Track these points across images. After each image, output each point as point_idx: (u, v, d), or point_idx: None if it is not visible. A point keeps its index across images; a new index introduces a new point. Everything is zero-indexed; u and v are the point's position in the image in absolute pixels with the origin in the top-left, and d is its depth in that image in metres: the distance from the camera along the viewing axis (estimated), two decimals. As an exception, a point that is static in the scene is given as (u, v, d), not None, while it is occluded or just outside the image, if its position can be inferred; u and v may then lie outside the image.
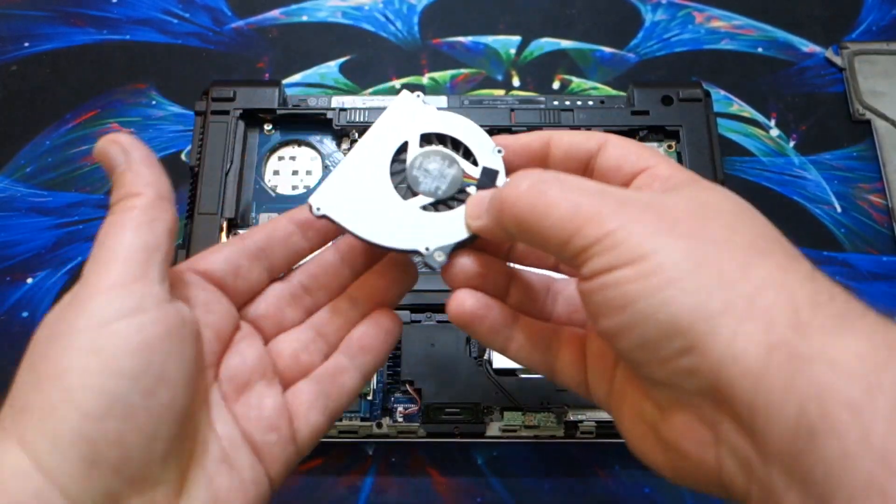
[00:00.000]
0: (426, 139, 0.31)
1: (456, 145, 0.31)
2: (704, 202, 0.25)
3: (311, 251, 0.32)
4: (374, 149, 0.31)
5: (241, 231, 0.51)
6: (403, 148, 0.31)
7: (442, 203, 0.30)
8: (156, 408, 0.24)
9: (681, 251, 0.22)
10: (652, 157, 0.28)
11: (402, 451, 0.49)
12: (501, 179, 0.30)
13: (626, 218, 0.23)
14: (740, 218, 0.25)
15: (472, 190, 0.30)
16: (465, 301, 0.29)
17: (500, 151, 0.31)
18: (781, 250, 0.24)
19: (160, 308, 0.24)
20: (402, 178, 0.30)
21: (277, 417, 0.29)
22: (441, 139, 0.31)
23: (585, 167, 0.30)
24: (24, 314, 0.52)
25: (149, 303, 0.24)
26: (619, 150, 0.29)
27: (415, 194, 0.30)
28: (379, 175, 0.30)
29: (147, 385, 0.23)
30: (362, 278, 0.32)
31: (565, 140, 0.30)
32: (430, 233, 0.29)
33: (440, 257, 0.29)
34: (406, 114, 0.31)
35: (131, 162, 0.26)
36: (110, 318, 0.23)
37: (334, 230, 0.31)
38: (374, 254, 0.32)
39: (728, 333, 0.21)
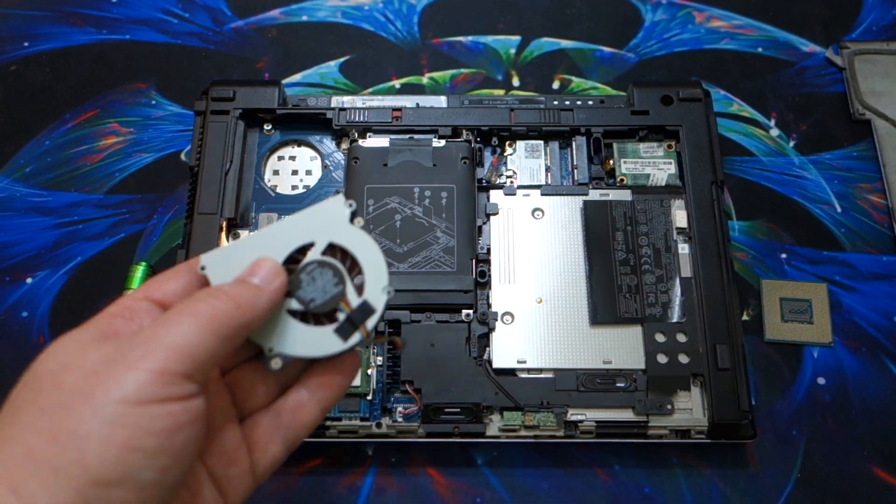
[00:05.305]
0: (331, 249, 0.31)
1: (353, 267, 0.31)
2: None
3: None
4: (282, 235, 0.31)
5: (241, 231, 0.51)
6: (308, 247, 0.31)
7: (308, 314, 0.30)
8: (166, 483, 0.25)
9: None
10: None
11: (401, 451, 0.49)
12: (374, 321, 0.30)
13: None
14: None
15: (341, 315, 0.30)
16: None
17: (390, 293, 0.31)
18: None
19: (192, 400, 0.26)
20: (288, 275, 0.30)
21: (236, 451, 0.29)
22: (344, 255, 0.31)
23: None
24: (24, 314, 0.52)
25: (184, 392, 0.25)
26: None
27: (289, 294, 0.30)
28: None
29: (163, 464, 0.25)
30: None
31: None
32: (283, 336, 0.30)
33: (276, 364, 0.30)
34: (332, 217, 0.31)
35: (245, 275, 0.29)
36: (146, 398, 0.24)
37: None
38: None
39: None
